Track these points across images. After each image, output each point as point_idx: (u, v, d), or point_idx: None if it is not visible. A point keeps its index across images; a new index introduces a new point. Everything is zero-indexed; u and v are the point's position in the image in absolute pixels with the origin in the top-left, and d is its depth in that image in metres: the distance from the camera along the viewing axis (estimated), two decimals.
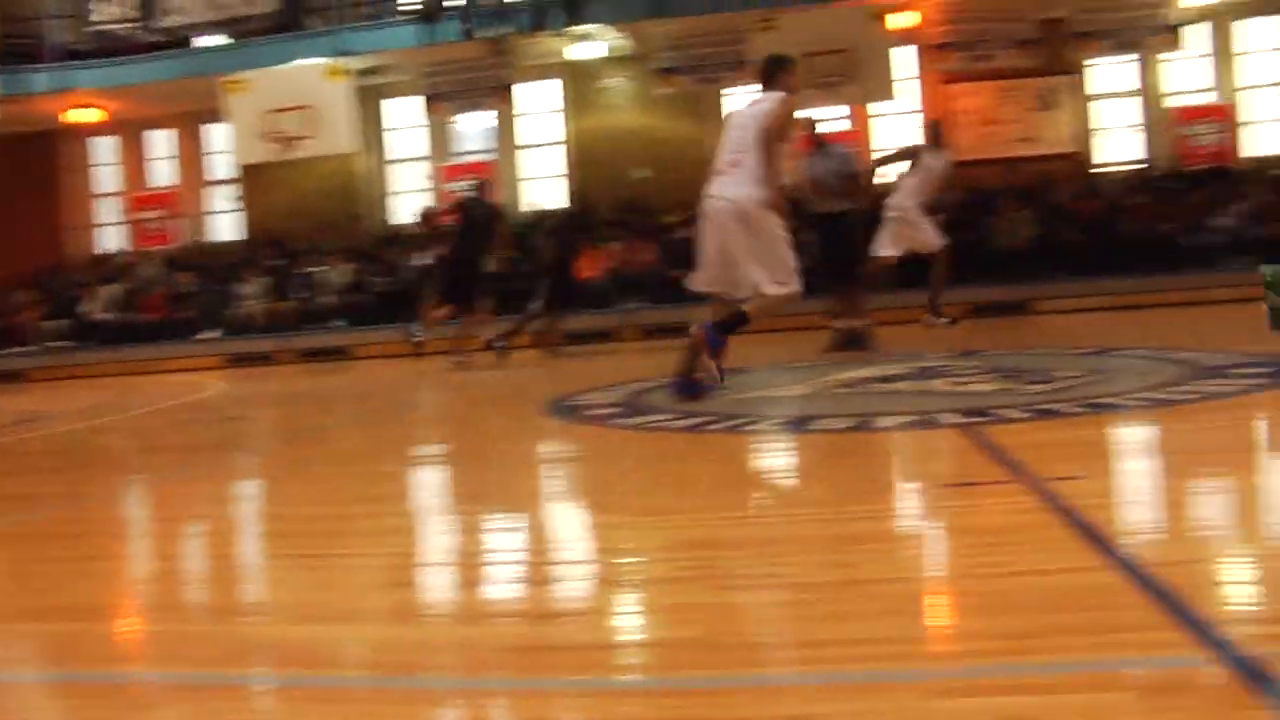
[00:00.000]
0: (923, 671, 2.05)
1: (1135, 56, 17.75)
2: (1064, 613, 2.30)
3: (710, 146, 18.58)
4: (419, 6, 17.52)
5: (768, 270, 6.21)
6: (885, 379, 6.95)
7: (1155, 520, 3.15)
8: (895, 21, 16.39)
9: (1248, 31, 17.90)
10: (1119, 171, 17.63)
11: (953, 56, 16.79)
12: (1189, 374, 6.14)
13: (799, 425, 5.43)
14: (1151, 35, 17.15)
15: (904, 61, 17.13)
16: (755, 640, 2.29)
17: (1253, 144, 17.88)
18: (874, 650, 2.16)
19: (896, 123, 17.67)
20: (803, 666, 2.13)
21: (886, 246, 10.63)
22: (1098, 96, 18.23)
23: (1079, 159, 17.52)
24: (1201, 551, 2.78)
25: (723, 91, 17.75)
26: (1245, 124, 17.98)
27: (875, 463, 4.44)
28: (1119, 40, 17.18)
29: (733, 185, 6.29)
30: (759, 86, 6.76)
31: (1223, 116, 17.82)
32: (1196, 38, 17.64)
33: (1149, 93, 18.11)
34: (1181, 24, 17.20)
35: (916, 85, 17.58)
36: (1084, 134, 18.00)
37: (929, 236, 10.79)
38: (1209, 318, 10.96)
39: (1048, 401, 5.32)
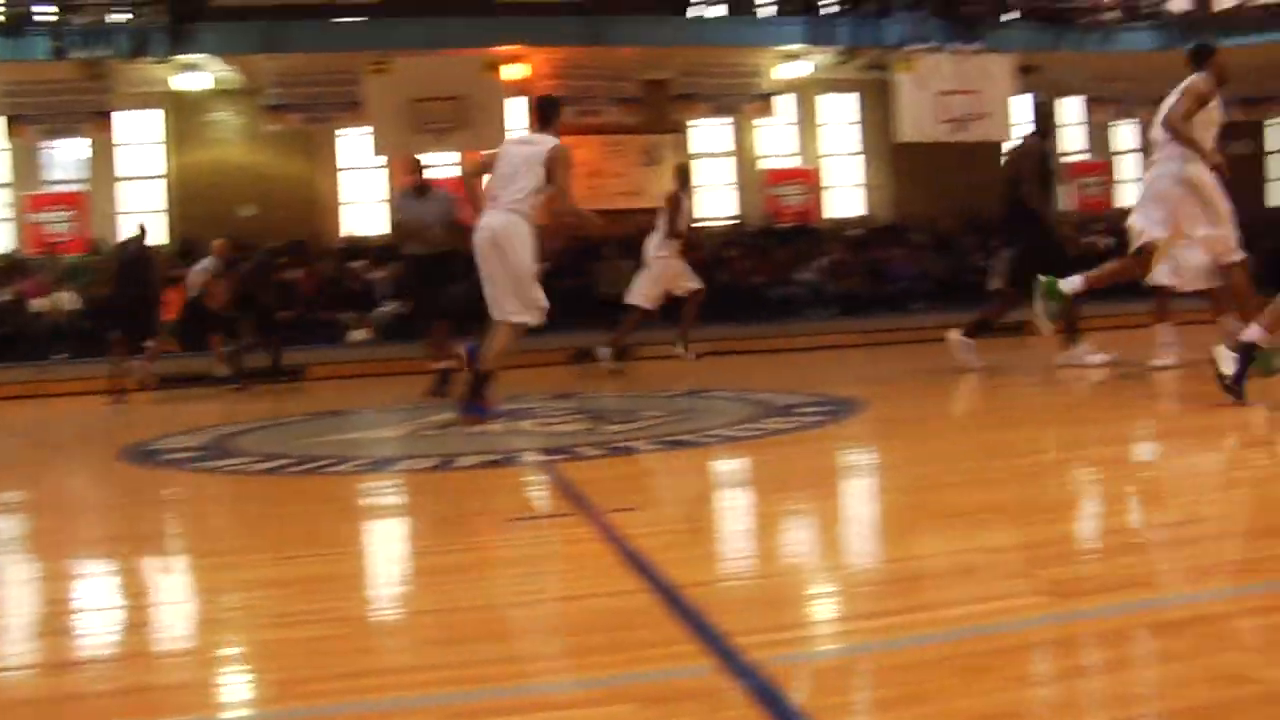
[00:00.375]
0: (445, 696, 2.08)
1: (732, 120, 18.97)
2: (595, 633, 2.41)
3: (321, 187, 18.24)
4: (0, 18, 16.13)
5: (514, 298, 6.60)
6: None
7: (694, 545, 3.35)
8: (508, 73, 16.72)
9: (828, 105, 19.60)
10: (716, 226, 18.70)
11: (564, 110, 17.27)
12: (761, 413, 6.60)
13: (381, 466, 5.39)
14: (747, 102, 18.37)
15: (516, 112, 17.46)
16: (289, 676, 2.25)
17: (832, 206, 19.56)
18: (401, 679, 2.19)
19: None
20: (331, 699, 2.11)
21: (646, 293, 11.35)
22: (699, 156, 19.31)
23: None
24: (729, 571, 2.99)
25: (336, 132, 17.47)
26: (826, 188, 19.63)
27: (447, 500, 4.44)
28: (718, 104, 18.29)
29: (497, 216, 6.65)
30: (535, 125, 7.27)
31: (807, 180, 19.35)
32: (786, 107, 19.08)
33: (744, 154, 19.39)
34: (773, 93, 18.54)
35: None
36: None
37: (688, 277, 11.56)
38: (790, 363, 11.76)
39: (626, 439, 5.56)
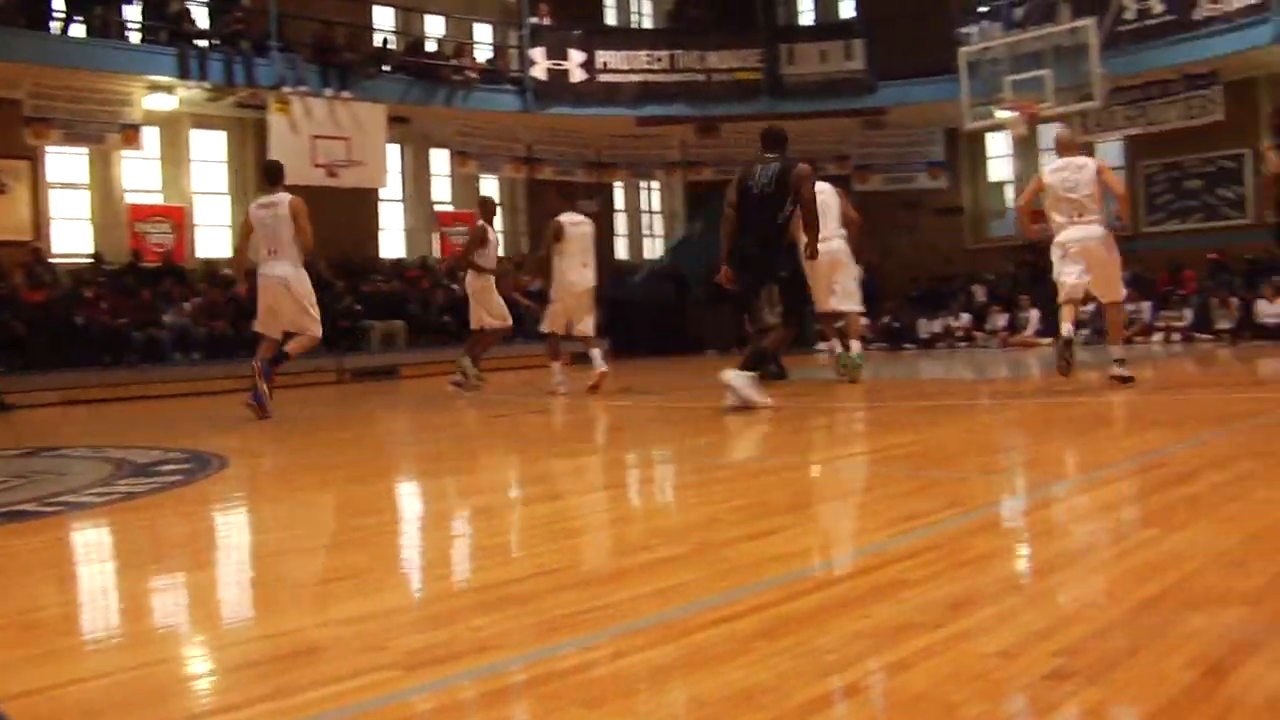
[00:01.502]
0: None
1: (87, 150, 17.73)
2: None
3: None
4: None
5: (309, 320, 9.47)
6: None
7: (28, 643, 2.95)
8: None
9: (199, 141, 18.96)
10: (73, 263, 17.36)
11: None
12: (117, 473, 6.17)
13: None
14: (111, 132, 17.27)
15: None
16: None
17: (204, 246, 18.92)
18: None
19: None
20: None
21: (483, 316, 11.97)
22: (55, 186, 17.85)
23: (32, 247, 16.86)
24: (67, 673, 2.71)
25: None
26: (198, 226, 18.94)
27: None
28: (78, 132, 17.01)
29: (279, 266, 9.38)
30: (265, 186, 9.85)
31: (175, 217, 18.53)
32: (153, 140, 18.17)
33: (106, 187, 18.18)
34: (141, 125, 17.58)
35: None
36: (40, 222, 17.46)
37: (503, 307, 12.12)
38: (155, 412, 11.16)
39: None
